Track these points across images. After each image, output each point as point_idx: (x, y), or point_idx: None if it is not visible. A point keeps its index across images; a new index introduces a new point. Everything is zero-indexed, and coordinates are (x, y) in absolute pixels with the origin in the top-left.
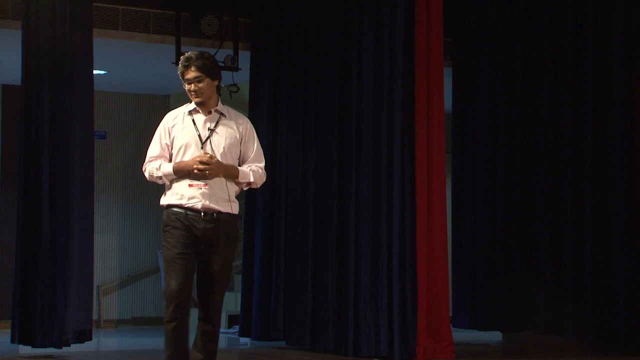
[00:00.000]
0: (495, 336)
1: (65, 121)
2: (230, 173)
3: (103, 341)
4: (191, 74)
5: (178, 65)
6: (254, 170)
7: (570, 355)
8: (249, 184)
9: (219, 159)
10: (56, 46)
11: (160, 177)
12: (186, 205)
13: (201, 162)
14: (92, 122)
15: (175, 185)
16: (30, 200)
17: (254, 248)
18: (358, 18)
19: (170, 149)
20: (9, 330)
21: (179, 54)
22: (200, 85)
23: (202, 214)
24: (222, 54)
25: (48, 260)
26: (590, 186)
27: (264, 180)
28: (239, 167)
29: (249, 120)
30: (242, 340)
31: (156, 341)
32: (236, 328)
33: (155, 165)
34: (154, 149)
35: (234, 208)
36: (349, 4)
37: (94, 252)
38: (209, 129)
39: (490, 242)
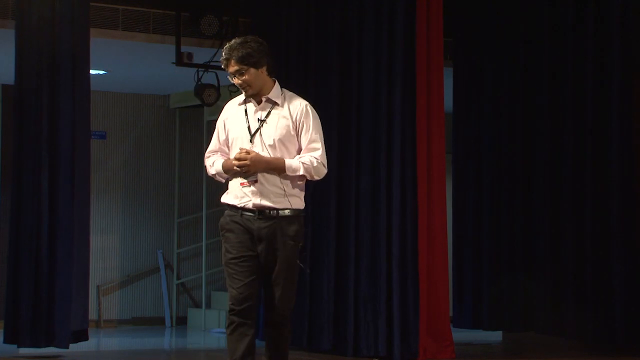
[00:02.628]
0: (496, 336)
1: (62, 121)
2: (273, 167)
3: (103, 341)
4: (232, 67)
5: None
6: (304, 162)
7: (570, 355)
8: (302, 177)
9: (269, 152)
10: (53, 46)
11: (215, 175)
12: (239, 205)
13: (236, 159)
14: (89, 122)
15: (231, 184)
16: (27, 200)
17: None
18: (358, 18)
19: (227, 143)
20: (2, 330)
21: (179, 54)
22: (244, 77)
23: (256, 213)
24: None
25: (44, 259)
26: (591, 186)
27: (323, 171)
28: (287, 160)
29: (307, 105)
30: None
31: (156, 341)
32: None
33: (209, 163)
34: (212, 143)
35: (293, 202)
36: (348, 4)
37: (90, 252)
38: (258, 119)
39: (492, 242)
